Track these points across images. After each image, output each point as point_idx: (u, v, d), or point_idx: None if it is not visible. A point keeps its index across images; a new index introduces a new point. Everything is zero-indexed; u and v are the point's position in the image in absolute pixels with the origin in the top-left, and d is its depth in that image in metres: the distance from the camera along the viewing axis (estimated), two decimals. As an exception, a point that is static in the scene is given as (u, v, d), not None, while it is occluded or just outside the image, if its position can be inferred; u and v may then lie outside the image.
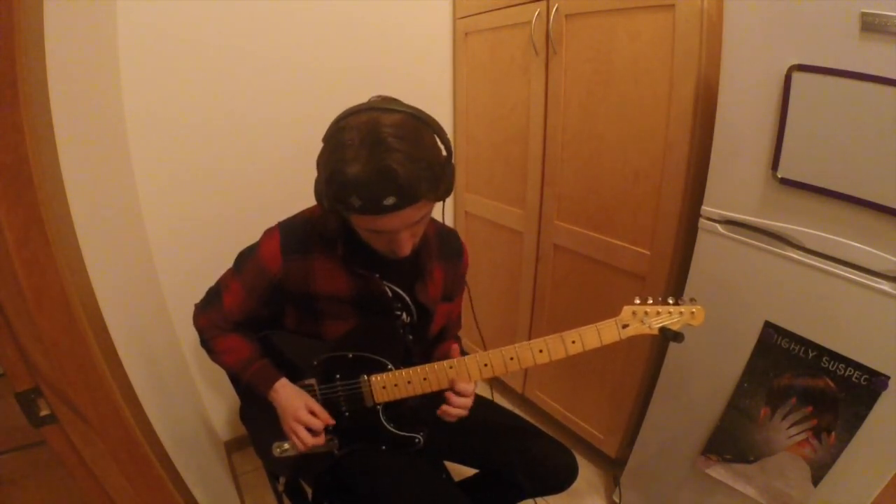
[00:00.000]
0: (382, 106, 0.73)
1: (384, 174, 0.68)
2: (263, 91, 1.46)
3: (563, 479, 1.02)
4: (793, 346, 0.98)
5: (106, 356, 0.72)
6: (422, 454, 1.00)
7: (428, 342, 1.05)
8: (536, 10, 1.38)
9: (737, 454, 1.11)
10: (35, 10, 0.68)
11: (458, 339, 1.13)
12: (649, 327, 0.86)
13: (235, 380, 1.02)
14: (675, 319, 0.87)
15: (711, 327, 1.06)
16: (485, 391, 1.15)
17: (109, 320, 0.81)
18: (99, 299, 0.79)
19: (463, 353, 0.95)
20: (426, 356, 1.04)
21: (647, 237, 1.29)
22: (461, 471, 1.16)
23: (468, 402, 0.91)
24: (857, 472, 0.93)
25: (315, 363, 0.94)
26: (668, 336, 0.85)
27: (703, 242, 1.10)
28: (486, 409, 1.11)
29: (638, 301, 0.87)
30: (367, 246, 0.85)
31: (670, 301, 0.87)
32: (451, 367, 0.90)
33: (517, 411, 1.17)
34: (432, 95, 1.83)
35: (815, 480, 0.99)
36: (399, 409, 0.97)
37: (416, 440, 0.98)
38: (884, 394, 0.86)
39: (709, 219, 1.08)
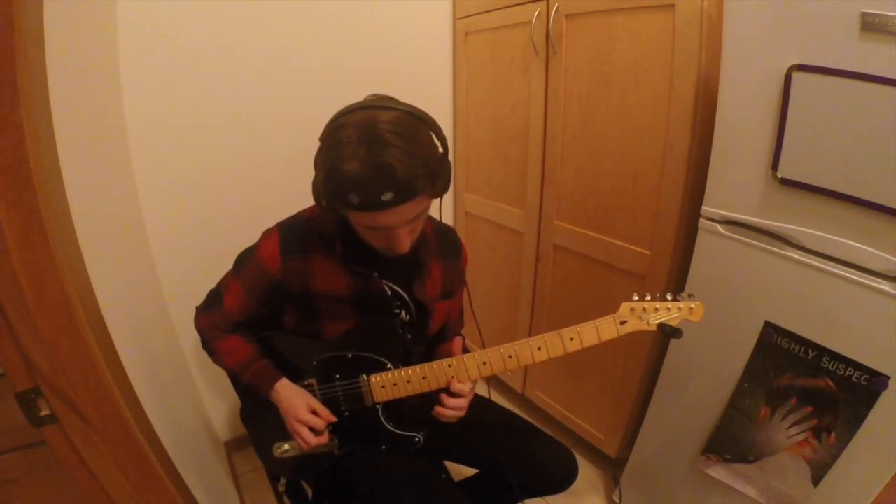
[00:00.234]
0: (379, 104, 0.73)
1: (382, 170, 0.68)
2: (263, 91, 1.46)
3: (563, 479, 1.02)
4: (793, 346, 0.97)
5: (106, 356, 0.72)
6: (422, 454, 1.00)
7: (427, 341, 1.05)
8: (536, 10, 1.38)
9: (737, 454, 1.11)
10: (35, 10, 0.68)
11: (462, 338, 1.12)
12: (647, 324, 0.86)
13: (236, 380, 1.02)
14: (674, 315, 0.86)
15: (711, 327, 1.06)
16: (482, 390, 1.15)
17: (109, 320, 0.81)
18: (99, 299, 0.79)
19: (465, 350, 0.95)
20: (426, 355, 1.04)
21: (647, 237, 1.29)
22: (461, 471, 1.16)
23: (463, 402, 0.91)
24: (857, 472, 0.93)
25: (315, 363, 0.94)
26: (666, 332, 0.84)
27: (703, 242, 1.10)
28: (486, 408, 1.11)
29: (636, 297, 0.87)
30: (366, 244, 0.85)
31: (668, 297, 0.87)
32: (449, 366, 0.90)
33: (517, 411, 1.17)
34: (432, 95, 1.83)
35: (815, 480, 0.99)
36: (399, 409, 0.97)
37: (416, 439, 0.98)
38: (884, 394, 0.86)
39: (709, 219, 1.08)
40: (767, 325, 1.01)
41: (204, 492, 1.08)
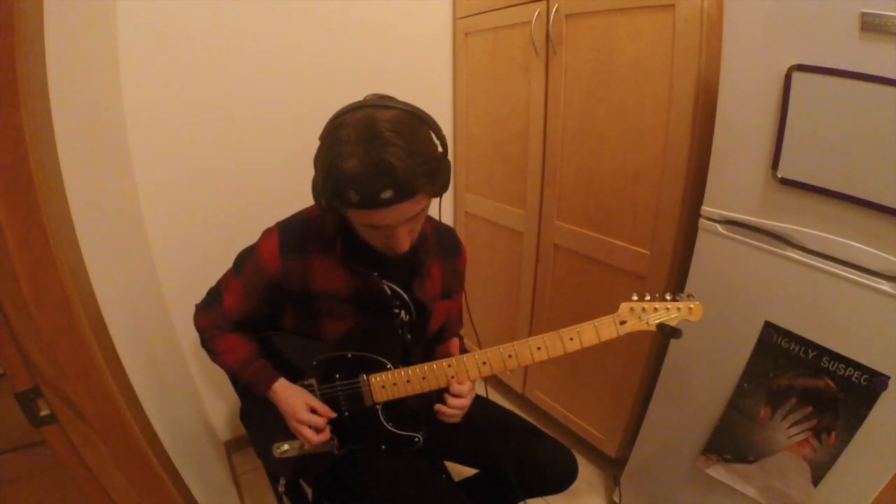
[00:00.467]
0: (378, 103, 0.73)
1: (381, 168, 0.69)
2: (264, 91, 1.46)
3: (563, 479, 1.02)
4: (793, 346, 0.97)
5: (106, 356, 0.72)
6: (421, 454, 1.00)
7: (427, 341, 1.05)
8: (536, 10, 1.38)
9: (737, 454, 1.11)
10: (35, 10, 0.68)
11: (460, 338, 1.13)
12: (647, 323, 0.86)
13: (235, 380, 1.02)
14: (673, 315, 0.86)
15: (711, 327, 1.06)
16: (482, 391, 1.15)
17: (109, 320, 0.81)
18: (99, 299, 0.79)
19: (464, 350, 0.95)
20: (425, 355, 1.04)
21: (647, 237, 1.28)
22: (461, 471, 1.16)
23: (466, 402, 0.91)
24: (857, 472, 0.93)
25: (314, 363, 0.94)
26: (665, 332, 0.84)
27: (703, 242, 1.10)
28: (486, 408, 1.11)
29: (636, 297, 0.87)
30: (366, 244, 0.85)
31: (668, 297, 0.87)
32: (449, 366, 0.90)
33: (517, 411, 1.17)
34: (432, 95, 1.83)
35: (815, 480, 0.99)
36: (398, 409, 0.97)
37: (416, 439, 0.98)
38: (884, 394, 0.86)
39: (709, 219, 1.08)
40: (767, 325, 1.01)
41: (204, 492, 1.08)
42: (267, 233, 0.92)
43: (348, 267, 0.90)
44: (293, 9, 1.43)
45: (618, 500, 1.47)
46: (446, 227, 1.05)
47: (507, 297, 1.83)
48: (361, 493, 0.97)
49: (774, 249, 0.97)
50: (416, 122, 0.74)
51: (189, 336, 1.42)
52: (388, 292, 0.94)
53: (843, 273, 0.89)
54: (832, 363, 0.92)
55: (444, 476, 1.15)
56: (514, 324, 1.83)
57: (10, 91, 0.56)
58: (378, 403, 0.95)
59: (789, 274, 0.96)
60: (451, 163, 0.80)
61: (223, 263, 0.99)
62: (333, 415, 0.93)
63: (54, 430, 0.69)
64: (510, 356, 0.89)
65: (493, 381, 2.05)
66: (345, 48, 1.55)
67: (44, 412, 0.68)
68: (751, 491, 1.11)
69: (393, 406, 0.96)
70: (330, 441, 0.95)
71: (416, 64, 1.74)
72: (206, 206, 1.46)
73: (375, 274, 0.91)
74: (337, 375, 0.94)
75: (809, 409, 0.98)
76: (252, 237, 0.94)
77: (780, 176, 0.93)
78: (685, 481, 1.25)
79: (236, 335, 0.97)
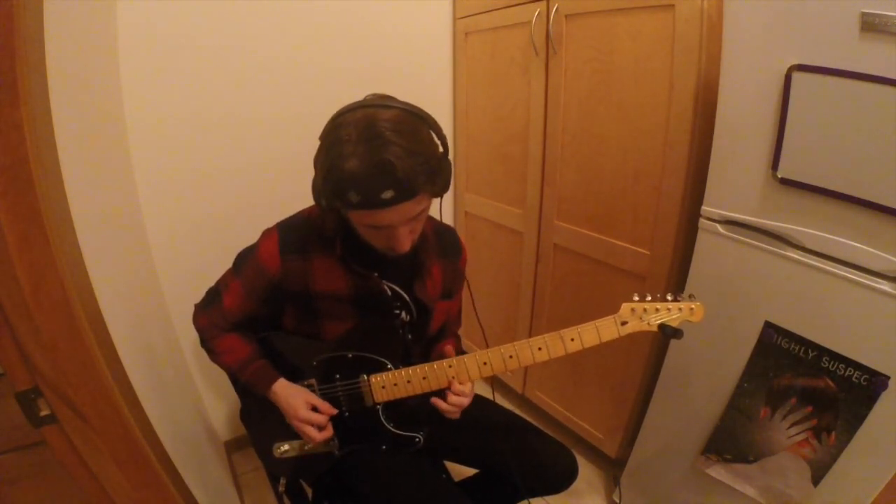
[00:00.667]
0: (379, 103, 0.73)
1: (382, 168, 0.68)
2: (264, 91, 1.46)
3: (563, 479, 1.02)
4: (793, 346, 0.97)
5: (106, 356, 0.72)
6: (422, 454, 1.00)
7: (427, 341, 1.05)
8: (536, 10, 1.38)
9: (737, 454, 1.11)
10: (35, 10, 0.68)
11: (457, 338, 1.13)
12: (648, 324, 0.86)
13: (234, 379, 1.02)
14: (675, 316, 0.86)
15: (711, 327, 1.06)
16: (486, 391, 1.15)
17: (109, 320, 0.81)
18: (99, 299, 0.79)
19: (460, 352, 0.95)
20: (426, 355, 1.04)
21: (647, 237, 1.28)
22: (461, 471, 1.16)
23: (465, 401, 0.92)
24: (857, 472, 0.93)
25: (315, 363, 0.94)
26: (667, 333, 0.84)
27: (703, 242, 1.10)
28: (487, 408, 1.11)
29: (637, 298, 0.87)
30: (366, 245, 0.85)
31: (669, 297, 0.87)
32: (450, 366, 0.90)
33: (517, 411, 1.17)
34: (432, 95, 1.83)
35: (815, 480, 0.99)
36: (399, 409, 0.97)
37: (416, 440, 0.98)
38: (884, 394, 0.86)
39: (709, 219, 1.08)
40: (767, 325, 1.01)
41: (204, 492, 1.08)
42: (267, 233, 0.92)
43: (348, 267, 0.90)
44: (293, 9, 1.43)
45: (618, 500, 1.47)
46: (446, 227, 1.05)
47: (507, 297, 1.83)
48: (362, 493, 0.97)
49: (774, 249, 0.97)
50: (416, 122, 0.74)
51: (189, 336, 1.42)
52: (389, 293, 0.94)
53: (843, 273, 0.89)
54: (832, 363, 0.93)
55: (444, 476, 1.15)
56: (515, 324, 1.83)
57: (10, 91, 0.56)
58: (378, 404, 0.95)
59: (789, 274, 0.96)
60: (452, 163, 0.80)
61: (223, 263, 0.99)
62: (335, 411, 0.93)
63: (54, 430, 0.69)
64: (511, 356, 0.89)
65: (493, 380, 2.05)
66: (345, 48, 1.55)
67: (44, 412, 0.68)
68: (751, 491, 1.11)
69: (393, 406, 0.96)
70: (331, 441, 0.95)
71: (416, 64, 1.74)
72: (205, 206, 1.46)
73: (376, 274, 0.91)
74: (337, 375, 0.94)
75: (809, 409, 0.98)
76: (252, 237, 0.94)
77: (779, 176, 0.93)
78: (685, 481, 1.25)
79: (236, 335, 0.97)
